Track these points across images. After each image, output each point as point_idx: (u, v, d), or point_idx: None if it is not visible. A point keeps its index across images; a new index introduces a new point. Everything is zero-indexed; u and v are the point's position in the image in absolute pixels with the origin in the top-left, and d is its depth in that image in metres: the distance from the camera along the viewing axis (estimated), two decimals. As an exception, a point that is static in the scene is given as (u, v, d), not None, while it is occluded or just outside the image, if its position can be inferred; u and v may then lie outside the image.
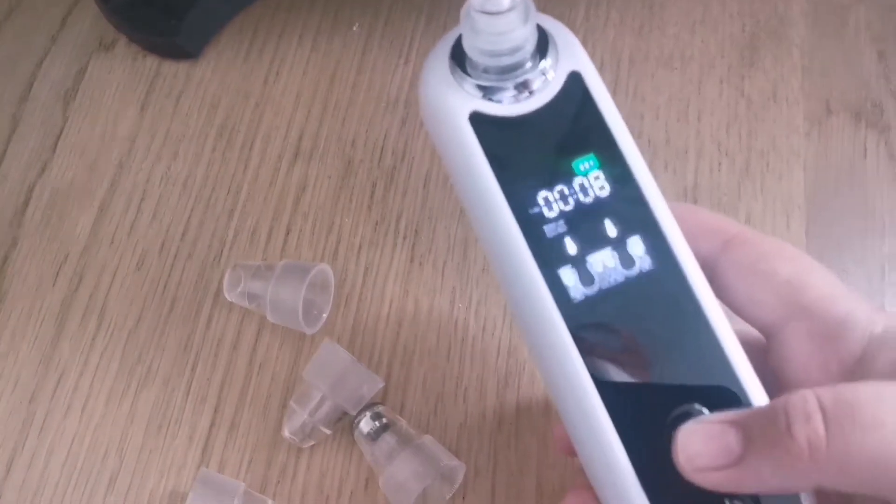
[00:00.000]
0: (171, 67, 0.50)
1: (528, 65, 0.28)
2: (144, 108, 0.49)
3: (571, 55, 0.29)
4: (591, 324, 0.27)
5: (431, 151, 0.46)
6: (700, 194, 0.43)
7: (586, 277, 0.27)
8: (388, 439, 0.37)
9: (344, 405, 0.38)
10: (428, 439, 0.37)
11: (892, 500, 0.24)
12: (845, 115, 0.45)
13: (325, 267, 0.41)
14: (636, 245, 0.28)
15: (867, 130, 0.45)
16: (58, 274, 0.45)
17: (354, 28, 0.50)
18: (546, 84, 0.28)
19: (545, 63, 0.29)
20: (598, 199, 0.28)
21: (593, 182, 0.28)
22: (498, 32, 0.27)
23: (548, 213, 0.28)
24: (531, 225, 0.28)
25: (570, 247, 0.28)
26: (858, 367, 0.26)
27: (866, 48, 0.47)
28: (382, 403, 0.39)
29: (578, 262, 0.27)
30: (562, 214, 0.28)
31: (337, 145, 0.47)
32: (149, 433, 0.40)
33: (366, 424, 0.38)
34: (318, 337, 0.41)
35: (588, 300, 0.27)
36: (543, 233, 0.28)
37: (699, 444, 0.24)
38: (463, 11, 0.28)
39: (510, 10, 0.27)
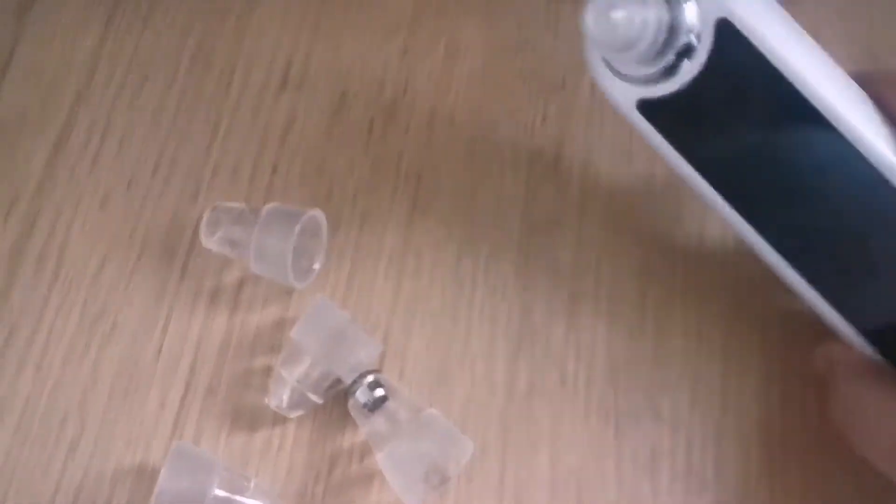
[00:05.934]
0: (139, -20, 0.45)
1: (663, 38, 0.27)
2: (108, 27, 0.44)
3: (711, 1, 0.27)
4: None
5: (436, 86, 0.41)
6: None
7: None
8: (387, 411, 0.33)
9: (337, 371, 0.34)
10: (432, 413, 0.33)
11: None
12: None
13: (318, 213, 0.37)
14: None
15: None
16: (8, 215, 0.40)
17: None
18: (693, 49, 0.27)
19: (684, 25, 0.27)
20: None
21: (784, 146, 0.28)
22: (618, 41, 0.27)
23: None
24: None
25: None
26: None
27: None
28: (379, 371, 0.35)
29: None
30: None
31: (329, 75, 0.42)
32: (113, 397, 0.36)
33: (362, 394, 0.34)
34: (308, 292, 0.37)
35: None
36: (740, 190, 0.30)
37: None
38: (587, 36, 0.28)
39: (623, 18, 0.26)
